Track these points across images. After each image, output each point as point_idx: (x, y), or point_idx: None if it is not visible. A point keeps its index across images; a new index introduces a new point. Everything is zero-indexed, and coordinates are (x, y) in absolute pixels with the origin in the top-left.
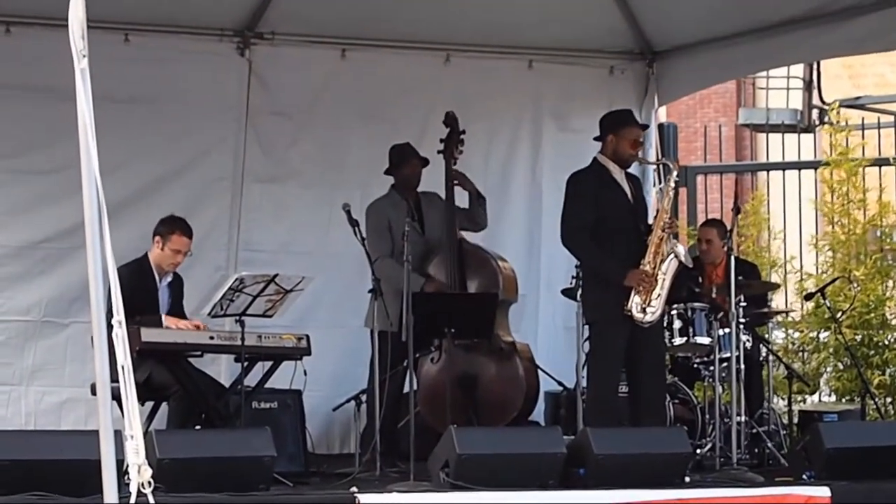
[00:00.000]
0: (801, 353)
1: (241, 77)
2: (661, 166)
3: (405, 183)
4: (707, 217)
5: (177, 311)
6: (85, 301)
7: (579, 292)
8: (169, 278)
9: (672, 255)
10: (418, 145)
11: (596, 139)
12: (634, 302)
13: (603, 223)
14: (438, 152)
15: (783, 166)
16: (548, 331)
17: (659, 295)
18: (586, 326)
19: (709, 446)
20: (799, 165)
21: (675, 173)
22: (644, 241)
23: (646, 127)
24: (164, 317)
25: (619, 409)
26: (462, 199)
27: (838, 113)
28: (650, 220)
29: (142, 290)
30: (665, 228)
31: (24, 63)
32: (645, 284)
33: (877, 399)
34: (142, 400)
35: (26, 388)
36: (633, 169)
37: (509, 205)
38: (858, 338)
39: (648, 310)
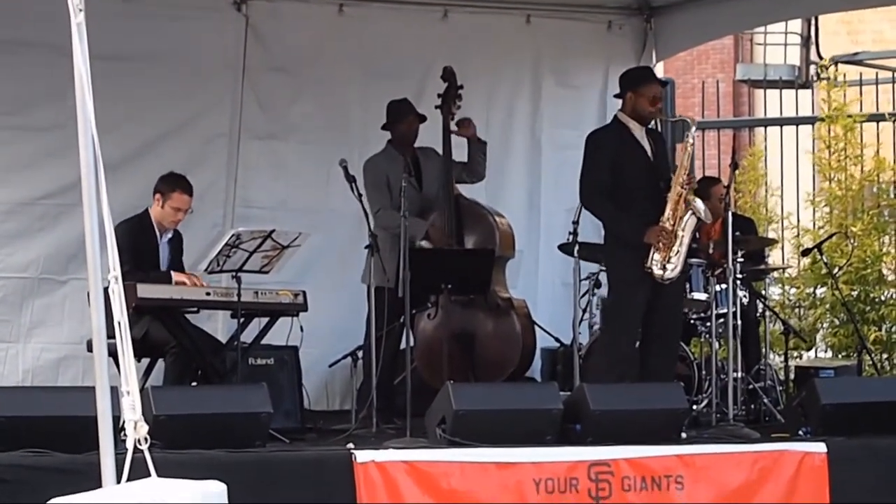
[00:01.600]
0: (797, 310)
1: (238, 33)
2: (680, 122)
3: (402, 139)
4: (704, 173)
5: (176, 267)
6: (83, 258)
7: (576, 249)
8: (169, 235)
9: (691, 212)
10: (416, 101)
11: (616, 97)
12: (654, 259)
13: (622, 182)
14: (436, 107)
15: (781, 122)
16: (547, 287)
17: (678, 251)
18: (583, 282)
19: (705, 402)
20: (796, 121)
21: (693, 129)
22: (664, 197)
23: (665, 84)
24: (173, 273)
25: (633, 367)
26: (459, 153)
27: (836, 69)
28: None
29: (142, 246)
30: (684, 185)
31: (22, 18)
32: (664, 241)
33: (873, 355)
34: (138, 356)
35: (24, 345)
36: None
37: (509, 160)
38: (855, 293)
39: (668, 266)
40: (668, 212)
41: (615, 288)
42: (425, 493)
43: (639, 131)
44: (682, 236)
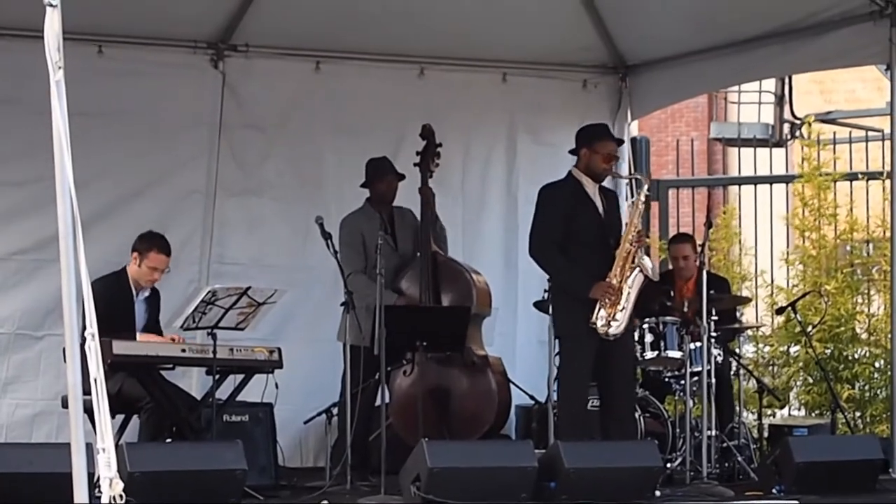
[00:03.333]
0: (771, 367)
1: (214, 89)
2: (632, 180)
3: (381, 197)
4: (679, 231)
5: (153, 325)
6: (59, 314)
7: (552, 306)
8: (146, 293)
9: (638, 269)
10: (393, 158)
11: (571, 152)
12: (600, 315)
13: (573, 237)
14: (414, 165)
15: (754, 180)
16: (524, 344)
17: (624, 308)
18: (557, 340)
19: (679, 460)
20: (770, 180)
21: (646, 187)
22: (613, 254)
23: (621, 142)
24: (138, 334)
25: (589, 423)
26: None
27: (810, 126)
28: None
29: (117, 305)
30: (633, 242)
31: None
32: (610, 297)
33: (846, 413)
34: (113, 413)
35: None
36: (606, 183)
37: (485, 218)
38: (828, 352)
39: (613, 323)
40: (615, 268)
41: (563, 343)
42: None
43: (591, 187)
44: (629, 293)
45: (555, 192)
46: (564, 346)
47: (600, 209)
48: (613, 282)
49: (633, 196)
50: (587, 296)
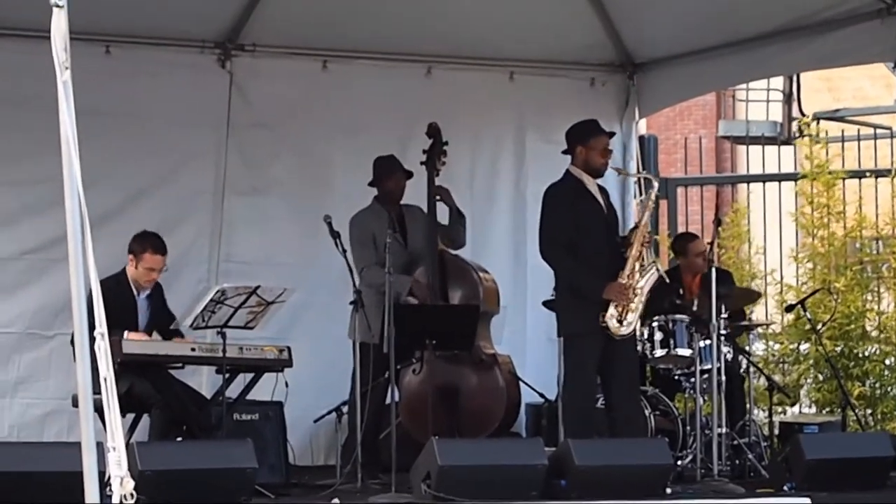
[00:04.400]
0: (781, 365)
1: (222, 89)
2: (642, 179)
3: (389, 196)
4: (687, 229)
5: (160, 319)
6: (69, 313)
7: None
8: (147, 291)
9: (653, 270)
10: (400, 157)
11: (564, 152)
12: (610, 314)
13: (579, 235)
14: (421, 163)
15: (763, 178)
16: (534, 342)
17: (636, 308)
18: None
19: (690, 458)
20: (779, 177)
21: (656, 187)
22: (619, 251)
23: (612, 134)
24: (126, 333)
25: (597, 421)
26: (443, 213)
27: (818, 124)
28: (623, 232)
29: (118, 306)
30: (644, 242)
31: (5, 74)
32: (623, 298)
33: (857, 410)
34: (123, 412)
35: (10, 401)
36: (615, 181)
37: (494, 216)
38: (839, 349)
39: (624, 322)
40: (627, 268)
41: (569, 342)
42: None
43: (592, 185)
44: (641, 293)
45: (558, 191)
46: (571, 346)
47: (602, 205)
48: (625, 282)
49: (641, 194)
50: (601, 297)
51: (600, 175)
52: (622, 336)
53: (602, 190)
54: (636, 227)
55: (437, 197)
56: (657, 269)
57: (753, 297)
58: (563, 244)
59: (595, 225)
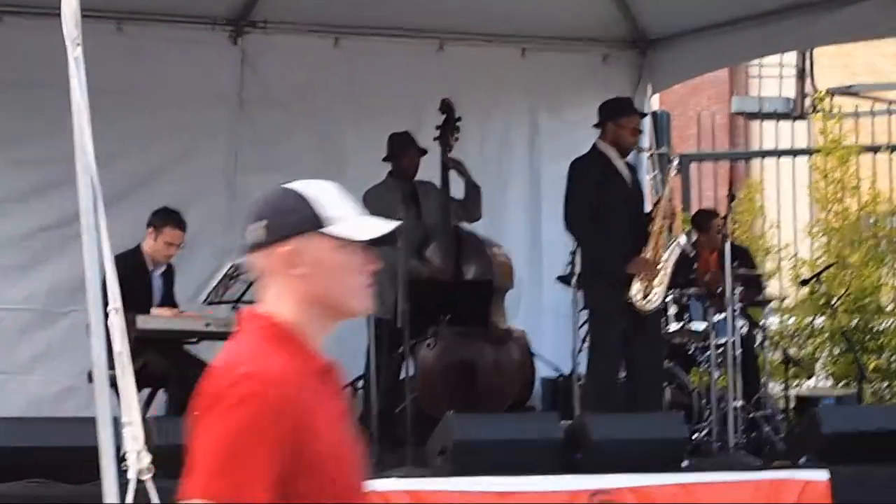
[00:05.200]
0: (795, 339)
1: (233, 66)
2: (659, 156)
3: (403, 172)
4: (700, 205)
5: (168, 300)
6: (84, 290)
7: (574, 279)
8: (162, 268)
9: (675, 244)
10: (413, 133)
11: (595, 126)
12: (636, 289)
13: (604, 210)
14: (434, 139)
15: (777, 154)
16: (550, 317)
17: (661, 282)
18: (581, 312)
19: (706, 431)
20: (792, 153)
21: (675, 162)
22: (644, 227)
23: (644, 115)
24: (153, 308)
25: (618, 396)
26: (457, 189)
27: (832, 100)
28: (647, 207)
29: (133, 281)
30: (666, 217)
31: (18, 53)
32: (648, 272)
33: (873, 383)
34: (139, 387)
35: (27, 377)
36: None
37: (507, 191)
38: (854, 322)
39: (650, 297)
40: (651, 243)
41: (595, 317)
42: None
43: (618, 160)
44: (665, 267)
45: (584, 165)
46: (596, 320)
47: (628, 181)
48: (649, 256)
49: (654, 170)
50: (625, 271)
51: (627, 153)
52: (648, 311)
53: (629, 166)
54: (658, 202)
55: (452, 168)
56: (680, 244)
57: (766, 275)
58: (588, 218)
59: (620, 200)
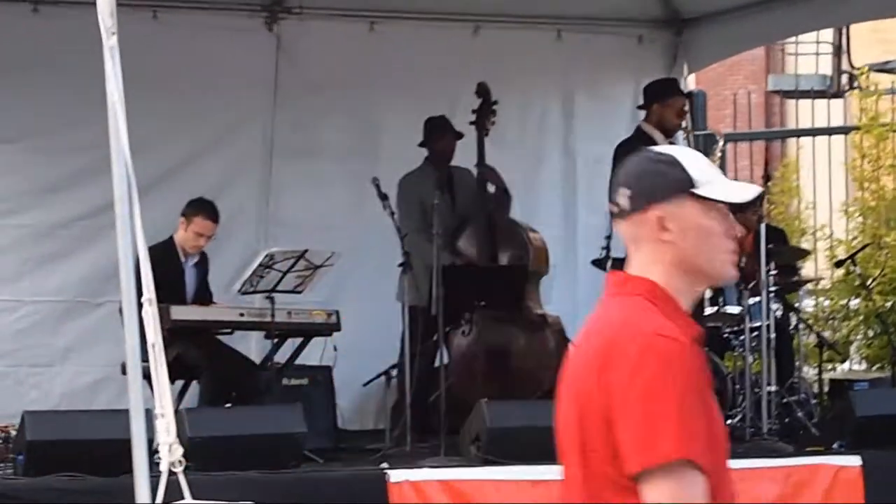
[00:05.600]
0: (831, 321)
1: (269, 52)
2: (695, 136)
3: (440, 156)
4: None
5: (202, 292)
6: (118, 281)
7: (609, 264)
8: (196, 259)
9: None
10: (449, 117)
11: (640, 108)
12: None
13: None
14: (470, 123)
15: (813, 132)
16: (585, 302)
17: None
18: None
19: (739, 416)
20: (829, 131)
21: (721, 143)
22: None
23: (690, 95)
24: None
25: None
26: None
27: (868, 77)
28: None
29: (165, 272)
30: None
31: (53, 42)
32: None
33: None
34: (172, 378)
35: (60, 369)
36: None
37: (543, 175)
38: (889, 304)
39: None
40: None
41: None
42: None
43: (663, 142)
44: None
45: (629, 148)
46: None
47: None
48: None
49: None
50: None
51: (672, 135)
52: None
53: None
54: None
55: (486, 177)
56: None
57: (802, 254)
58: None
59: None
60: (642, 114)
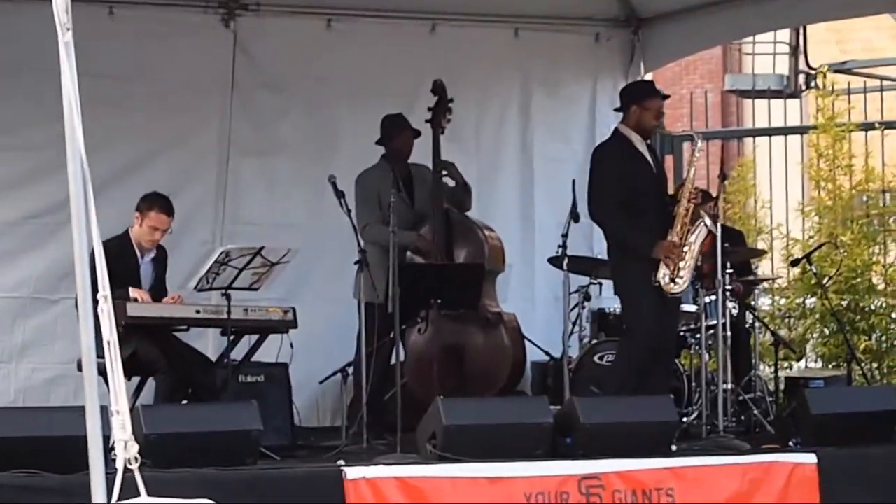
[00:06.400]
0: (787, 320)
1: (226, 49)
2: (682, 137)
3: (397, 154)
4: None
5: (159, 286)
6: (74, 278)
7: (565, 262)
8: (152, 254)
9: (700, 226)
10: (406, 115)
11: (617, 110)
12: (662, 273)
13: (629, 194)
14: (427, 121)
15: (769, 132)
16: (542, 300)
17: (687, 265)
18: (573, 295)
19: (695, 414)
20: (785, 131)
21: (699, 144)
22: (669, 211)
23: (667, 97)
24: (130, 290)
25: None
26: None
27: (825, 77)
28: (671, 191)
29: (121, 267)
30: (691, 199)
31: (7, 38)
32: (673, 256)
33: (863, 364)
34: (128, 375)
35: (16, 366)
36: None
37: (501, 173)
38: (845, 303)
39: (677, 280)
40: (676, 226)
41: (629, 301)
42: None
43: (641, 144)
44: (691, 250)
45: (609, 150)
46: (629, 304)
47: (651, 164)
48: (675, 240)
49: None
50: (650, 255)
51: (650, 136)
52: (675, 294)
53: (650, 149)
54: (682, 183)
55: (444, 172)
56: (705, 224)
57: (757, 255)
58: (614, 204)
59: (644, 184)
60: (600, 113)
